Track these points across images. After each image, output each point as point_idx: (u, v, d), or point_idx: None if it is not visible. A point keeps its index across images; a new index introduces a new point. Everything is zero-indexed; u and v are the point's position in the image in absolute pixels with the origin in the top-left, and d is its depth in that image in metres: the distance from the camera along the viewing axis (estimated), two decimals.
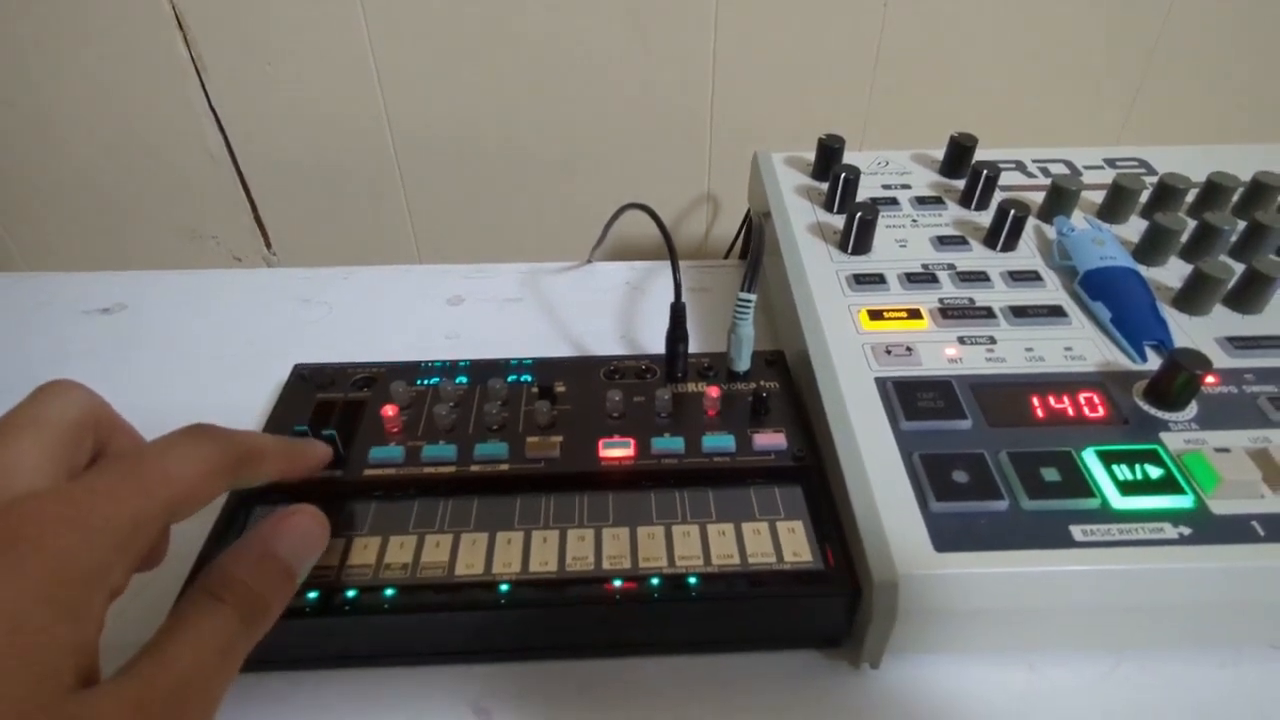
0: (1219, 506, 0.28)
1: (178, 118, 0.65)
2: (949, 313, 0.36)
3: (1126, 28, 0.63)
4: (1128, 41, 0.64)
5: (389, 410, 0.34)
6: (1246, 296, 0.36)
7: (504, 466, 0.32)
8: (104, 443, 0.23)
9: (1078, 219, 0.42)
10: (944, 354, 0.34)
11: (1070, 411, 0.32)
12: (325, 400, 0.36)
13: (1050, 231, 0.42)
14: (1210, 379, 0.32)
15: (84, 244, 0.73)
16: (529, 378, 0.37)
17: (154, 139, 0.66)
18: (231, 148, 0.67)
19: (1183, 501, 0.28)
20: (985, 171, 0.43)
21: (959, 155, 0.46)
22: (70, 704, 0.16)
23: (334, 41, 0.61)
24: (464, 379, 0.37)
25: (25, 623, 0.16)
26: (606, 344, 0.46)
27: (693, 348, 0.37)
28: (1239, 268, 0.37)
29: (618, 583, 0.28)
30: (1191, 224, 0.40)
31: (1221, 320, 0.36)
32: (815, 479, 0.32)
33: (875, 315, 0.36)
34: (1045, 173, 0.47)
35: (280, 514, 0.24)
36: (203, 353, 0.45)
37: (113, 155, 0.67)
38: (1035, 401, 0.32)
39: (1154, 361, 0.34)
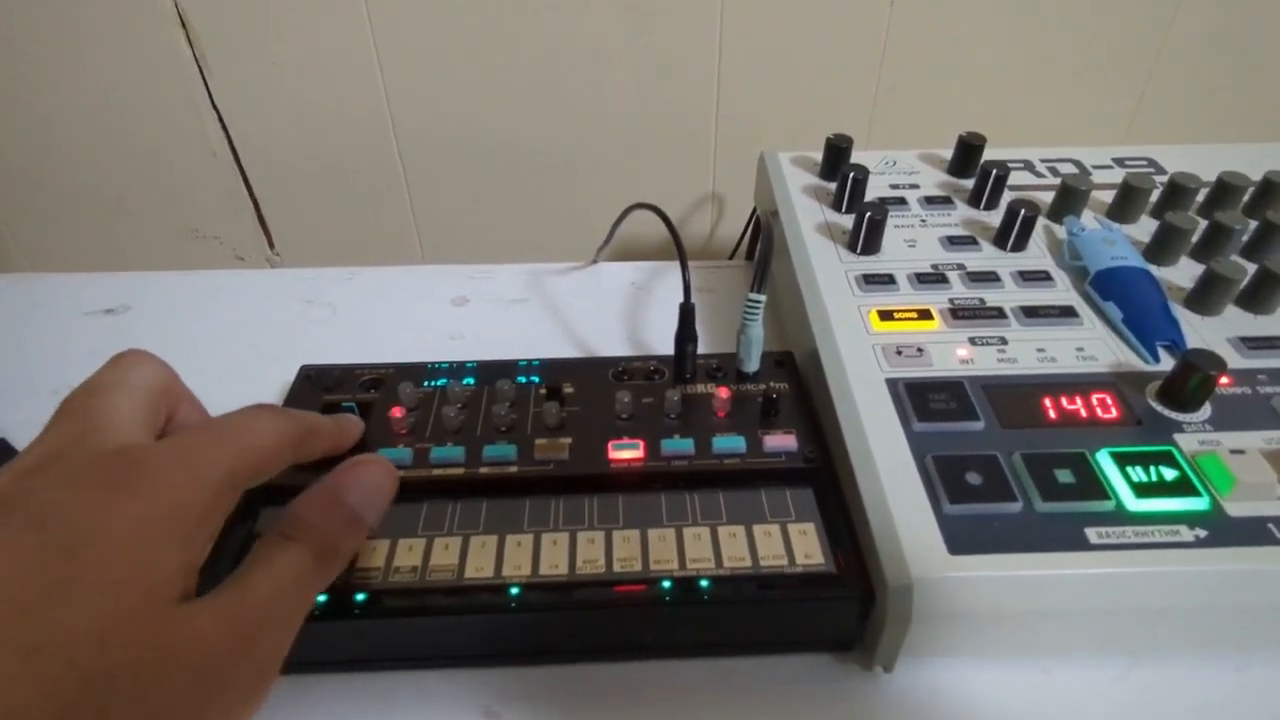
0: (1235, 509, 0.28)
1: (181, 117, 0.64)
2: (960, 313, 0.36)
3: (1133, 27, 0.63)
4: (1134, 41, 0.64)
5: (397, 412, 0.34)
6: (1259, 296, 0.36)
7: (513, 468, 0.32)
8: (174, 409, 0.25)
9: (1088, 219, 0.42)
10: (955, 355, 0.34)
11: (1083, 413, 0.31)
12: (332, 402, 0.35)
13: (1060, 231, 0.42)
14: (1224, 380, 0.32)
15: (86, 244, 0.72)
16: (537, 379, 0.37)
17: (157, 138, 0.66)
18: (234, 147, 0.67)
19: (1198, 504, 0.28)
20: (995, 171, 0.43)
21: (967, 155, 0.46)
22: (176, 611, 0.19)
23: (338, 41, 0.61)
24: (471, 380, 0.37)
25: (147, 539, 0.19)
26: (613, 345, 0.45)
27: (699, 348, 0.37)
28: (1251, 267, 0.36)
29: (629, 585, 0.28)
30: (1202, 224, 0.40)
31: (1234, 320, 0.36)
32: (826, 481, 0.31)
33: (885, 316, 0.36)
34: (1054, 172, 0.47)
35: (349, 463, 0.26)
36: (205, 354, 0.45)
37: (115, 155, 0.67)
38: (1048, 403, 0.32)
39: (1167, 362, 0.34)
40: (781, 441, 0.33)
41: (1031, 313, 0.36)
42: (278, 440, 0.24)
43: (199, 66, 0.62)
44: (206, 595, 0.20)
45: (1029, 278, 0.38)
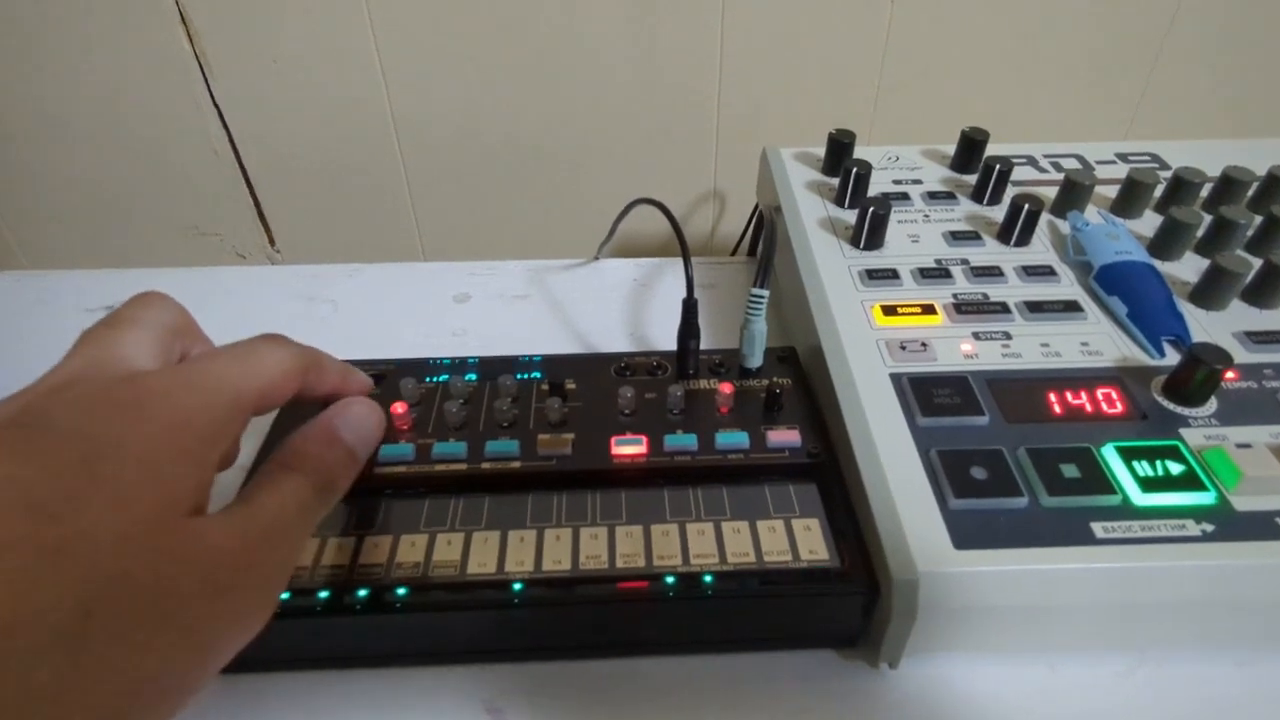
0: (1241, 503, 0.28)
1: (181, 114, 0.64)
2: (963, 308, 0.36)
3: (1136, 21, 0.63)
4: (1137, 36, 0.63)
5: (399, 408, 0.34)
6: (1264, 291, 0.36)
7: (515, 464, 0.32)
8: (188, 349, 0.26)
9: (1091, 214, 0.42)
10: (959, 349, 0.34)
11: (1088, 407, 0.31)
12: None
13: (1064, 226, 0.41)
14: (1230, 374, 0.32)
15: (86, 242, 0.72)
16: (539, 374, 0.36)
17: (157, 135, 0.65)
18: (235, 144, 0.66)
19: (1205, 498, 0.28)
20: (998, 166, 0.42)
21: (970, 150, 0.46)
22: (191, 522, 0.20)
23: (339, 37, 0.61)
24: (473, 376, 0.36)
25: (160, 455, 0.20)
26: (615, 341, 0.45)
27: (702, 344, 0.37)
28: (1256, 262, 0.36)
29: (632, 581, 0.28)
30: (1207, 218, 0.40)
31: (1239, 315, 0.36)
32: (830, 476, 0.31)
33: (889, 311, 0.36)
34: (1057, 167, 0.47)
35: (342, 402, 0.27)
36: None
37: (115, 152, 0.66)
38: (1053, 397, 0.32)
39: (1172, 357, 0.33)
40: (785, 437, 0.33)
41: (1036, 308, 0.36)
42: (283, 367, 0.25)
43: (200, 64, 0.62)
44: (217, 511, 0.21)
45: (1033, 273, 0.38)
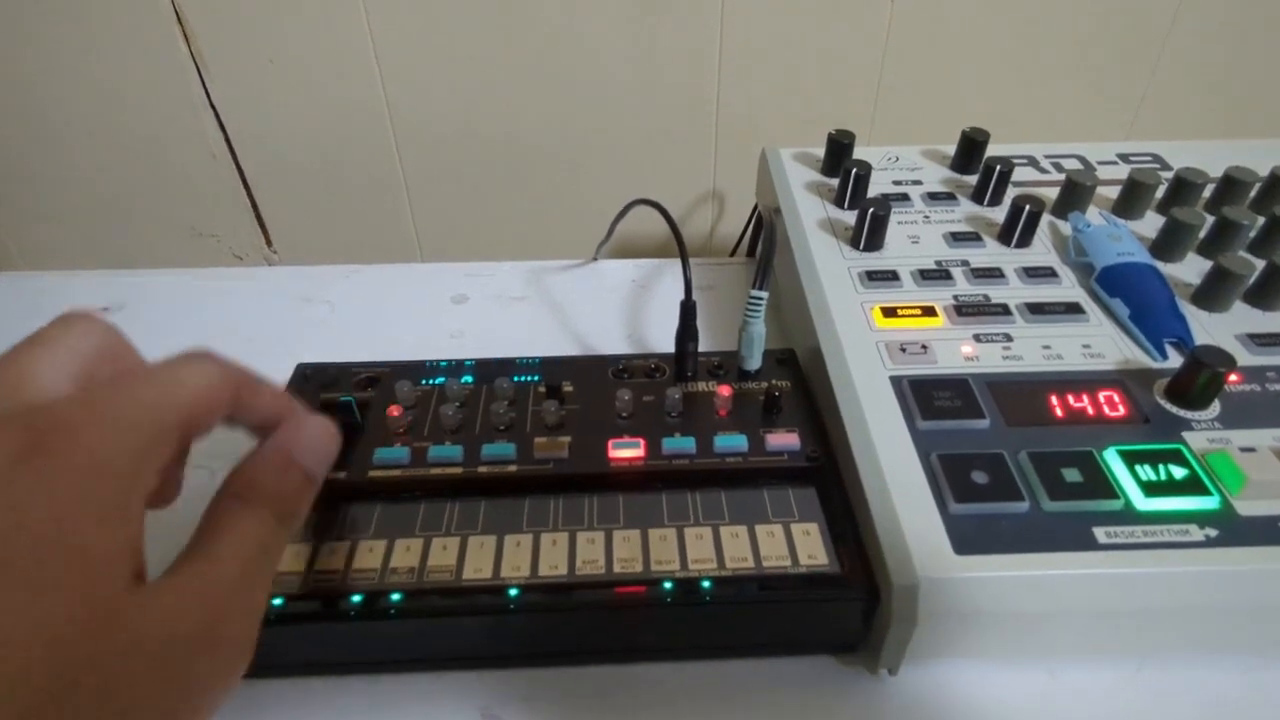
0: (1245, 507, 0.27)
1: (178, 115, 0.64)
2: (964, 310, 0.36)
3: (1137, 22, 0.62)
4: (1138, 36, 0.63)
5: (394, 410, 0.33)
6: (1267, 292, 0.36)
7: (512, 468, 0.32)
8: (120, 372, 0.23)
9: (1093, 215, 0.42)
10: (960, 352, 0.34)
11: (1090, 410, 0.31)
12: (329, 400, 0.35)
13: (1065, 227, 0.41)
14: (1233, 377, 0.32)
15: (83, 243, 0.72)
16: (536, 377, 0.36)
17: (154, 136, 0.65)
18: (232, 145, 0.66)
19: (1208, 502, 0.27)
20: (998, 167, 0.42)
21: (971, 150, 0.45)
22: (132, 598, 0.17)
23: (336, 38, 0.60)
24: (470, 379, 0.36)
25: (72, 523, 0.16)
26: (613, 343, 0.45)
27: (700, 346, 0.36)
28: (1259, 263, 0.36)
29: (629, 586, 0.27)
30: (1209, 219, 0.39)
31: (1242, 317, 0.36)
32: (830, 480, 0.31)
33: (889, 313, 0.36)
34: (1058, 168, 0.46)
35: (293, 423, 0.24)
36: None
37: (112, 153, 0.66)
38: (1054, 400, 0.31)
39: (1174, 359, 0.33)
40: (784, 440, 0.32)
41: (1037, 309, 0.36)
42: (210, 383, 0.21)
43: (196, 65, 0.62)
44: (166, 572, 0.18)
45: (1034, 274, 0.38)
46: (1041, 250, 0.40)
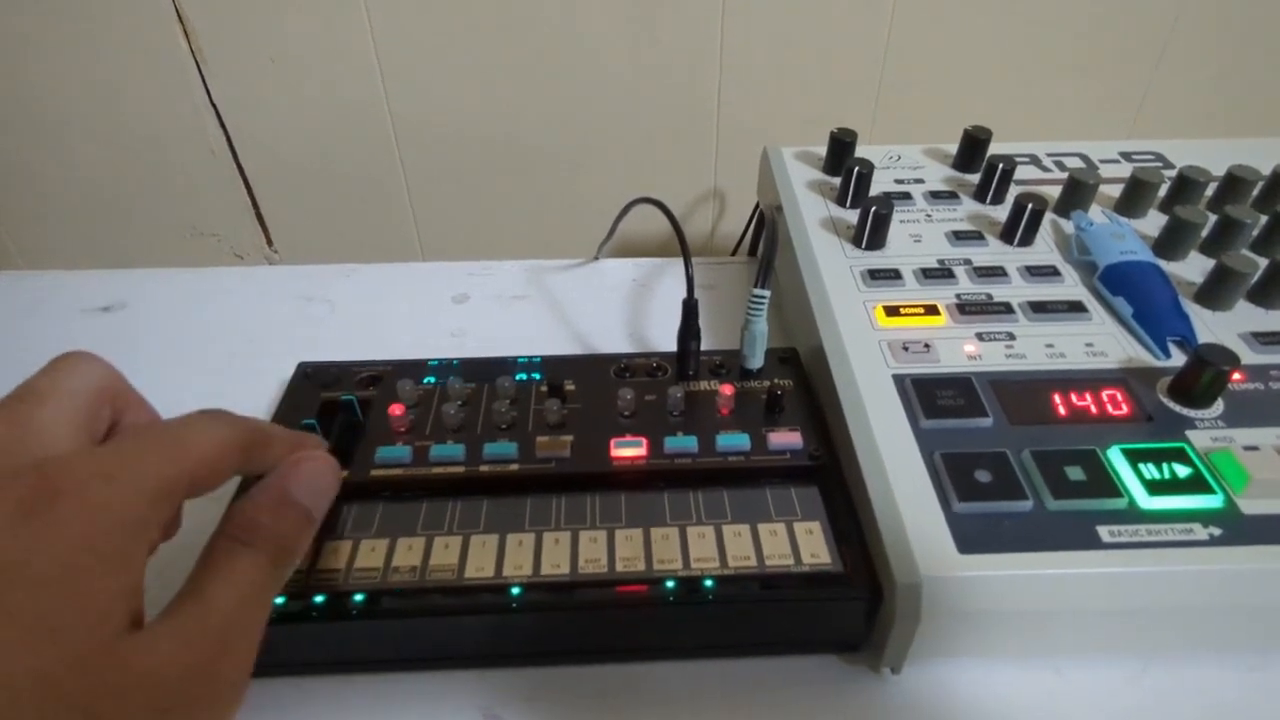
0: (1249, 506, 0.27)
1: (178, 114, 0.64)
2: (967, 309, 0.36)
3: (1138, 20, 0.62)
4: (1139, 34, 0.63)
5: (396, 409, 0.33)
6: (1270, 291, 0.36)
7: (514, 466, 0.32)
8: (120, 414, 0.23)
9: (1095, 213, 0.42)
10: (963, 350, 0.34)
11: (1093, 409, 0.31)
12: (330, 399, 0.35)
13: (1068, 226, 0.41)
14: (1237, 375, 0.32)
15: (83, 242, 0.72)
16: (538, 376, 0.36)
17: (154, 135, 0.65)
18: (233, 144, 0.66)
19: (1212, 501, 0.27)
20: (1001, 165, 0.42)
21: (973, 149, 0.45)
22: (126, 643, 0.17)
23: (336, 36, 0.60)
24: (471, 378, 0.36)
25: (76, 570, 0.17)
26: (615, 342, 0.45)
27: (702, 345, 0.36)
28: (1262, 262, 0.36)
29: (632, 585, 0.27)
30: (1212, 218, 0.39)
31: (1245, 315, 0.35)
32: (832, 479, 0.31)
33: (891, 311, 0.36)
34: (1060, 166, 0.46)
35: (292, 460, 0.24)
36: (203, 351, 0.45)
37: (113, 152, 0.66)
38: (1057, 399, 0.31)
39: (1178, 358, 0.33)
40: (786, 439, 0.32)
41: (1039, 308, 0.36)
42: (219, 446, 0.21)
43: (197, 63, 0.62)
44: (160, 617, 0.18)
45: (1037, 273, 0.38)
46: (1044, 249, 0.40)
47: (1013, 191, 0.43)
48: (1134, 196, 0.42)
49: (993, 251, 0.40)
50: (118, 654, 0.17)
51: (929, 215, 0.42)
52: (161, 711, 0.17)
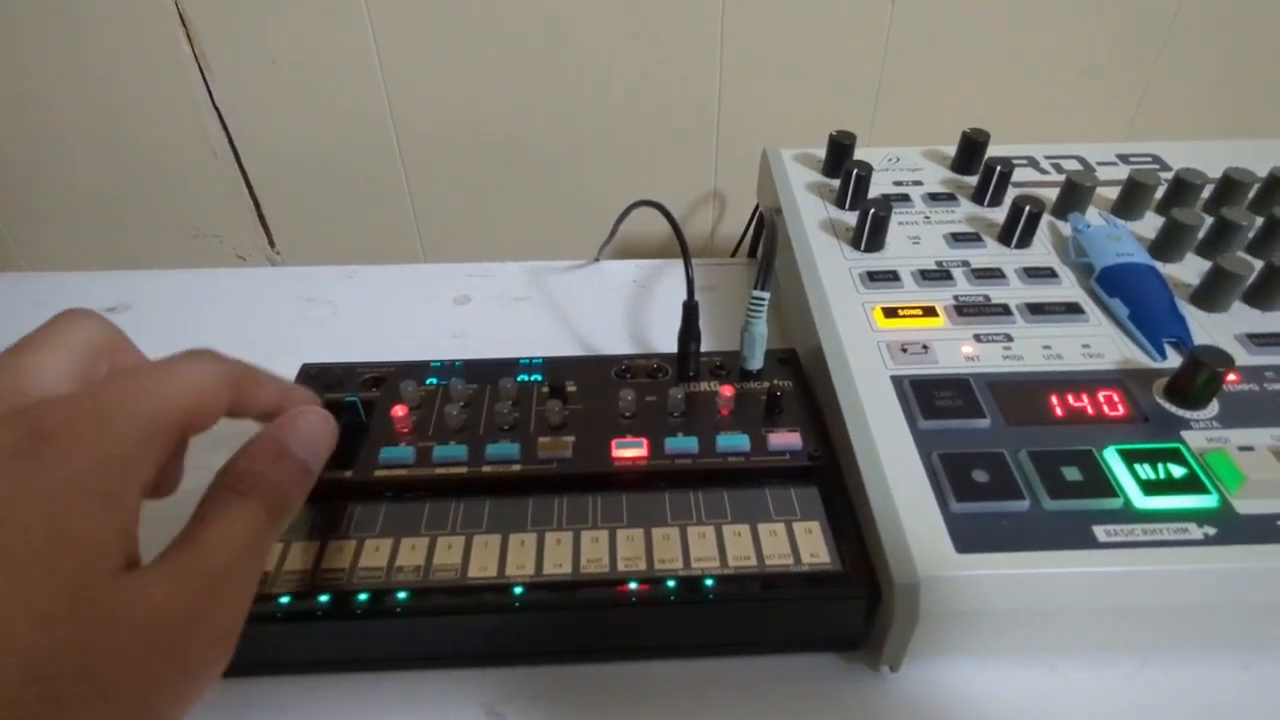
0: (1244, 506, 0.28)
1: (180, 115, 0.64)
2: (965, 310, 0.36)
3: (1136, 22, 0.62)
4: (1137, 37, 0.63)
5: (399, 410, 0.34)
6: (1265, 293, 0.36)
7: (516, 467, 0.32)
8: (119, 368, 0.23)
9: (1092, 215, 0.42)
10: (961, 352, 0.34)
11: (1090, 410, 0.31)
12: (334, 400, 0.35)
13: (1065, 228, 0.41)
14: (1232, 376, 0.32)
15: (86, 244, 0.72)
16: (539, 377, 0.36)
17: (156, 137, 0.65)
18: (235, 145, 0.66)
19: (1207, 501, 0.28)
20: (999, 168, 0.42)
21: (971, 151, 0.46)
22: (121, 581, 0.17)
23: (338, 38, 0.60)
24: (473, 379, 0.36)
25: (68, 510, 0.17)
26: (616, 343, 0.45)
27: (702, 346, 0.37)
28: (1258, 264, 0.36)
29: (633, 585, 0.28)
30: (1208, 220, 0.40)
31: (1240, 317, 0.36)
32: (832, 479, 0.31)
33: (890, 313, 0.36)
34: (1058, 169, 0.47)
35: (291, 413, 0.24)
36: None
37: (114, 153, 0.66)
38: (1054, 400, 0.32)
39: (1174, 359, 0.33)
40: (786, 439, 0.33)
41: (1037, 309, 0.36)
42: (208, 382, 0.21)
43: (199, 65, 0.62)
44: (155, 560, 0.19)
45: (1034, 274, 0.38)
46: (1041, 251, 0.40)
47: (1010, 193, 0.43)
48: (1131, 199, 0.42)
49: (990, 253, 0.40)
50: (114, 591, 0.17)
51: (927, 217, 0.43)
52: (151, 653, 0.17)
